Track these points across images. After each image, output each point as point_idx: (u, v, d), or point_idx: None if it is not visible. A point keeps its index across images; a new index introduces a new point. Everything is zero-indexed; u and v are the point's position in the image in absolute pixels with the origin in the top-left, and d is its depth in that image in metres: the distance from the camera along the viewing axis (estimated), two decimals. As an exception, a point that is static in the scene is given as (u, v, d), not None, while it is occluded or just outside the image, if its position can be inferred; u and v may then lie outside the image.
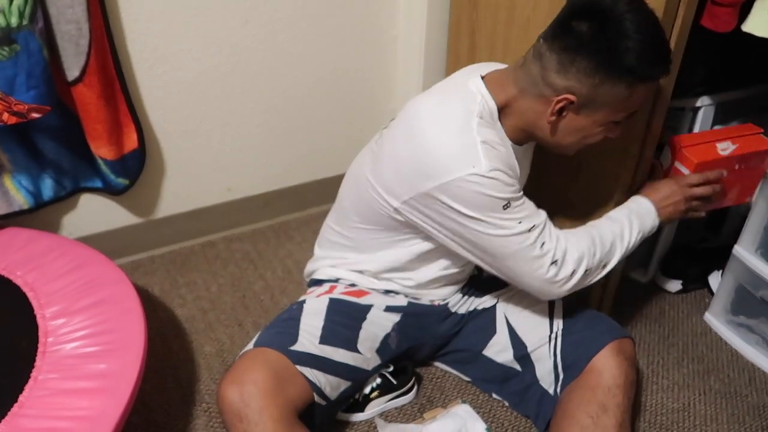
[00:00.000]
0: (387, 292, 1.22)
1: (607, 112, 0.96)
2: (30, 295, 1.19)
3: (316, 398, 1.05)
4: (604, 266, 1.08)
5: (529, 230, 0.99)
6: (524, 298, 1.20)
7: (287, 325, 1.11)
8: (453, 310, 1.26)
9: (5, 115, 1.27)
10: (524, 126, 1.03)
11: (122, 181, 1.53)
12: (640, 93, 0.95)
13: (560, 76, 0.93)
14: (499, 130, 1.02)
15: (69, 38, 1.31)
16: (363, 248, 1.19)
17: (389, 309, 1.20)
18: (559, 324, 1.17)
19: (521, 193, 1.02)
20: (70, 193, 1.54)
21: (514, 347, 1.20)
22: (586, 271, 1.04)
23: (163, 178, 1.65)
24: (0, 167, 1.39)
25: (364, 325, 1.16)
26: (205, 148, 1.66)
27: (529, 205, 1.02)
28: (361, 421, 1.22)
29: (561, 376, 1.13)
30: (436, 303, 1.24)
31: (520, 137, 1.05)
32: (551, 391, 1.14)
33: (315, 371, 1.05)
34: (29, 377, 1.01)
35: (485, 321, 1.24)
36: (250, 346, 1.07)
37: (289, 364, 1.02)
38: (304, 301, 1.18)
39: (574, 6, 0.93)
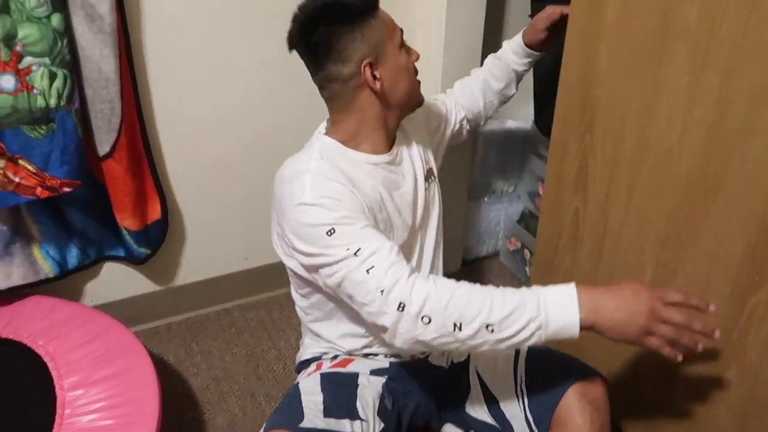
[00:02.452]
0: (366, 355, 1.22)
1: (387, 43, 1.04)
2: (50, 365, 1.22)
3: None
4: (459, 328, 0.89)
5: (355, 253, 0.94)
6: None
7: (291, 405, 1.12)
8: (435, 363, 1.25)
9: (39, 190, 1.34)
10: (376, 119, 1.08)
11: (144, 251, 1.58)
12: (380, 19, 1.04)
13: (342, 63, 1.02)
14: (352, 158, 1.08)
15: (102, 116, 1.39)
16: (321, 318, 1.20)
17: (374, 372, 1.21)
18: (522, 373, 1.13)
19: (359, 220, 0.98)
20: (93, 261, 1.59)
21: (488, 405, 1.17)
22: (425, 317, 0.89)
23: (183, 246, 1.70)
24: (30, 238, 1.45)
25: (358, 391, 1.17)
26: (225, 218, 1.72)
27: (366, 232, 0.97)
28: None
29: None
30: (417, 357, 1.24)
31: (388, 132, 1.12)
32: None
33: None
34: (45, 450, 1.03)
35: (462, 376, 1.22)
36: (262, 431, 1.08)
37: None
38: (298, 383, 1.19)
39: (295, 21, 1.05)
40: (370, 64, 1.02)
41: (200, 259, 1.73)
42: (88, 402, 1.12)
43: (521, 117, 1.99)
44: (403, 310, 0.90)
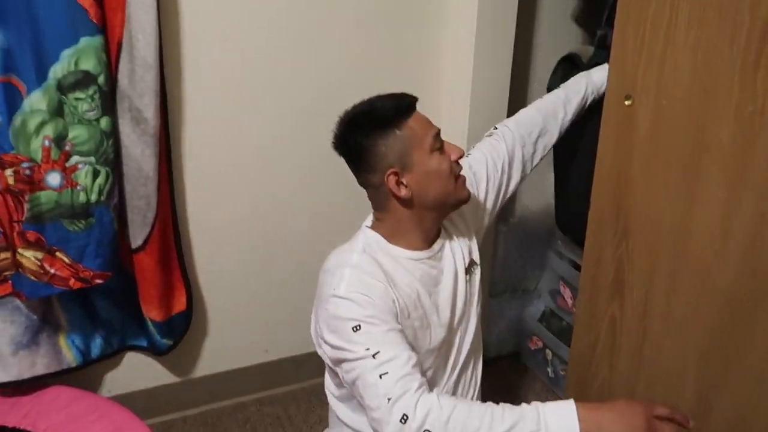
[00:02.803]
0: None
1: (414, 150, 1.05)
2: (66, 461, 1.21)
3: None
4: None
5: (374, 356, 0.95)
6: None
7: None
8: None
9: (72, 281, 1.38)
10: (410, 221, 1.09)
11: (166, 342, 1.59)
12: (412, 125, 1.05)
13: (370, 172, 1.06)
14: (392, 254, 1.09)
15: (138, 211, 1.45)
16: (354, 408, 1.17)
17: None
18: None
19: (386, 323, 1.00)
20: (116, 351, 1.60)
21: None
22: (420, 424, 0.90)
23: (205, 338, 1.71)
24: (58, 327, 1.48)
25: None
26: (248, 310, 1.74)
27: (389, 336, 0.98)
28: None
29: None
30: None
31: (426, 231, 1.12)
32: None
33: None
34: None
35: None
36: None
37: None
38: None
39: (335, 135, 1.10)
40: (396, 173, 1.05)
41: (221, 350, 1.73)
42: (102, 503, 1.10)
43: (542, 216, 2.02)
44: (405, 422, 0.90)
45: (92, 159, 1.34)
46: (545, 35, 1.83)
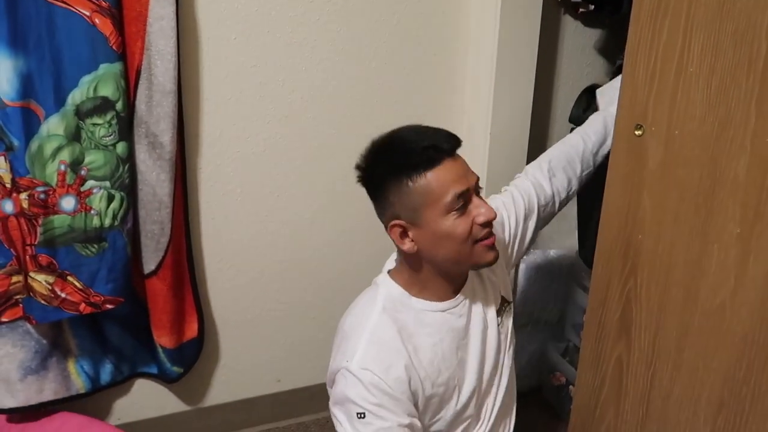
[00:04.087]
0: None
1: (430, 215, 0.94)
2: (68, 492, 1.17)
3: None
4: None
5: None
6: None
7: None
8: None
9: (82, 306, 1.37)
10: (426, 271, 1.01)
11: (177, 370, 1.56)
12: (437, 178, 0.93)
13: (380, 215, 1.00)
14: (415, 307, 1.02)
15: (152, 236, 1.44)
16: None
17: None
18: None
19: (395, 416, 0.93)
20: (125, 378, 1.58)
21: None
22: None
23: (216, 366, 1.68)
24: (67, 352, 1.46)
25: None
26: (260, 339, 1.70)
27: (387, 418, 0.93)
28: None
29: None
30: None
31: (448, 281, 1.03)
32: None
33: None
34: None
35: None
36: None
37: None
38: None
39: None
40: (401, 226, 0.96)
41: (232, 379, 1.69)
42: None
43: (565, 247, 1.97)
44: None
45: (107, 184, 1.34)
46: (568, 65, 1.80)
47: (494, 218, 0.98)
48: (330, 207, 1.65)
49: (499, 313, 1.14)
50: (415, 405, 0.99)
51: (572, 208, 1.87)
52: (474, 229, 0.96)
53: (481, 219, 0.96)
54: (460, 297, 1.06)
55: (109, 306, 1.39)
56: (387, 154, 0.97)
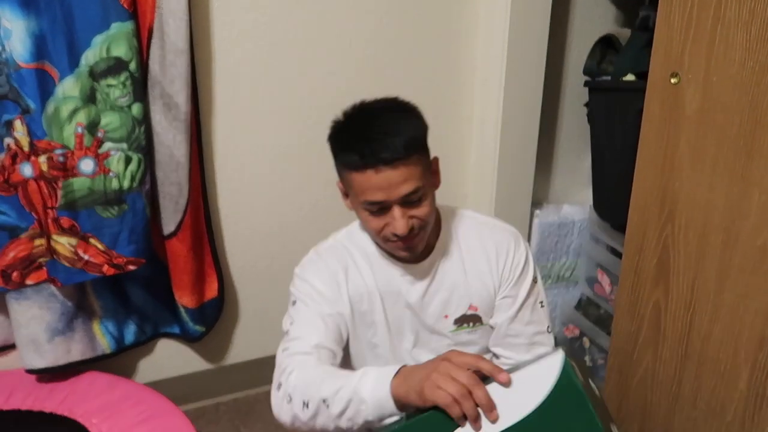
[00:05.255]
0: None
1: (352, 197, 0.98)
2: (104, 444, 1.21)
3: None
4: (306, 406, 0.89)
5: (287, 331, 1.02)
6: None
7: None
8: None
9: (105, 267, 1.38)
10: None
11: (199, 329, 1.59)
12: (357, 179, 0.94)
13: None
14: (368, 250, 1.07)
15: (170, 198, 1.45)
16: None
17: None
18: None
19: (318, 306, 1.02)
20: (149, 338, 1.60)
21: None
22: (285, 390, 0.93)
23: (237, 325, 1.70)
24: (92, 314, 1.48)
25: None
26: (279, 298, 1.71)
27: (309, 317, 1.01)
28: None
29: None
30: None
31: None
32: None
33: None
34: None
35: None
36: None
37: None
38: None
39: None
40: (342, 188, 1.02)
41: (252, 338, 1.72)
42: (139, 487, 1.10)
43: (577, 202, 1.97)
44: (279, 388, 0.95)
45: (124, 146, 1.34)
46: (581, 16, 1.77)
47: (404, 235, 0.96)
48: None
49: (459, 322, 1.11)
50: (341, 313, 1.04)
51: (585, 161, 1.87)
52: (385, 231, 0.97)
53: (389, 231, 0.97)
54: (420, 266, 1.06)
55: (131, 267, 1.40)
56: (342, 131, 0.99)
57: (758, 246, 1.03)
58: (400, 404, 0.83)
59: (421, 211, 0.97)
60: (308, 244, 1.68)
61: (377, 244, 1.05)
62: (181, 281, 1.52)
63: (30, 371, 1.41)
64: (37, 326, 1.39)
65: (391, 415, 0.85)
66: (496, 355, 1.18)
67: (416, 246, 1.02)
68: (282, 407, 0.94)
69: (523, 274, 1.13)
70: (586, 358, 1.81)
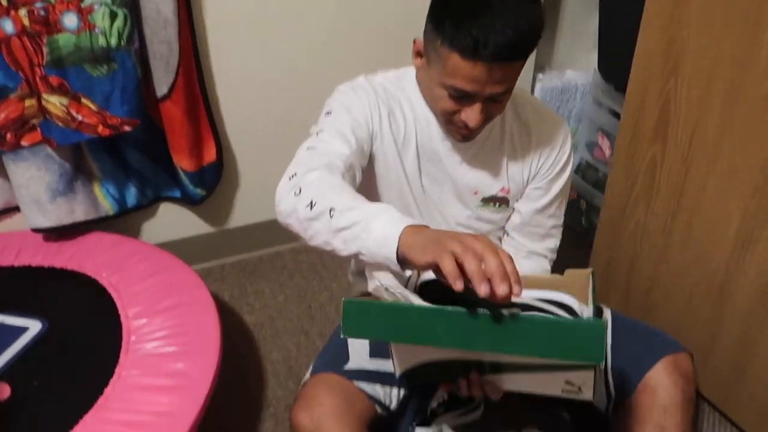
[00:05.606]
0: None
1: (436, 69, 0.91)
2: (114, 295, 1.27)
3: (379, 410, 1.07)
4: (311, 205, 0.85)
5: (315, 133, 0.99)
6: None
7: (337, 348, 1.13)
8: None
9: (100, 128, 1.37)
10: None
11: (200, 192, 1.61)
12: (456, 63, 0.87)
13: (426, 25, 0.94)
14: (414, 101, 1.03)
15: (160, 57, 1.40)
16: None
17: None
18: (607, 339, 1.13)
19: (349, 115, 0.99)
20: (151, 201, 1.63)
21: None
22: (297, 182, 0.89)
23: (237, 190, 1.72)
24: (91, 176, 1.50)
25: None
26: (278, 162, 1.70)
27: (343, 129, 0.97)
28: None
29: (613, 395, 1.10)
30: None
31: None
32: (603, 410, 1.11)
33: (372, 384, 1.06)
34: (113, 372, 1.08)
35: None
36: (307, 376, 1.10)
37: (348, 383, 1.04)
38: None
39: None
40: (419, 49, 0.95)
41: (253, 202, 1.75)
42: (152, 330, 1.16)
43: (580, 67, 1.92)
44: (291, 178, 0.90)
45: (108, 0, 1.28)
46: None
47: (474, 128, 0.93)
48: (351, 26, 1.59)
49: (487, 202, 1.11)
50: (371, 142, 1.02)
51: (590, 25, 1.79)
52: (455, 118, 0.94)
53: (460, 119, 0.94)
54: (461, 144, 1.03)
55: (126, 128, 1.39)
56: (463, 5, 0.88)
57: (762, 95, 1.01)
58: (400, 254, 0.77)
59: (499, 108, 0.95)
60: (309, 112, 1.66)
61: (431, 109, 1.00)
62: (178, 145, 1.51)
63: (35, 230, 1.44)
64: (38, 186, 1.40)
65: (385, 259, 0.79)
66: (506, 235, 1.20)
67: (476, 134, 1.00)
68: (286, 197, 0.89)
69: (562, 171, 1.13)
70: (582, 218, 1.85)
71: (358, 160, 0.98)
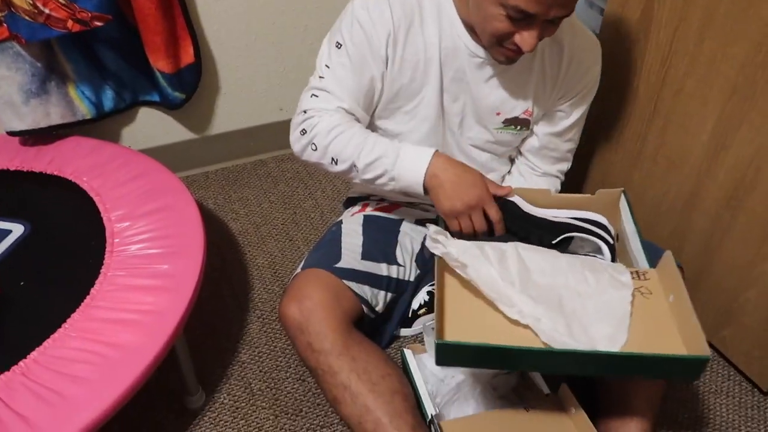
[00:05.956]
0: (410, 204, 1.24)
1: None
2: (96, 199, 1.25)
3: (365, 310, 1.09)
4: (335, 163, 1.01)
5: (320, 76, 1.03)
6: None
7: (330, 246, 1.14)
8: None
9: (70, 23, 1.30)
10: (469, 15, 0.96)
11: (179, 95, 1.56)
12: None
13: None
14: (446, 8, 0.99)
15: (130, -54, 1.31)
16: None
17: (419, 222, 1.23)
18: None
19: (359, 64, 0.99)
20: (129, 105, 1.58)
21: None
22: (313, 145, 1.01)
23: (218, 95, 1.67)
24: (64, 77, 1.43)
25: (399, 238, 1.19)
26: (259, 67, 1.67)
27: (348, 75, 1.00)
28: (409, 336, 1.27)
29: None
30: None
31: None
32: None
33: (361, 285, 1.09)
34: (99, 273, 1.08)
35: None
36: (299, 269, 1.11)
37: (337, 280, 1.06)
38: (341, 222, 1.21)
39: None
40: None
41: (235, 108, 1.70)
42: (135, 233, 1.15)
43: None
44: (303, 134, 1.02)
45: None
46: None
47: (527, 52, 0.91)
48: None
49: (509, 123, 1.09)
50: (383, 74, 1.02)
51: None
52: (506, 40, 0.91)
53: (515, 42, 0.90)
54: (493, 59, 0.99)
55: (97, 23, 1.31)
56: None
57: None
58: (427, 182, 0.96)
59: (553, 31, 0.90)
60: (291, 15, 1.58)
61: (475, 26, 0.94)
62: (153, 43, 1.44)
63: (11, 133, 1.40)
64: (9, 87, 1.34)
65: (414, 194, 0.99)
66: (520, 155, 1.18)
67: (520, 58, 0.97)
68: (304, 150, 1.03)
69: (589, 94, 1.11)
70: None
71: (366, 103, 1.04)
